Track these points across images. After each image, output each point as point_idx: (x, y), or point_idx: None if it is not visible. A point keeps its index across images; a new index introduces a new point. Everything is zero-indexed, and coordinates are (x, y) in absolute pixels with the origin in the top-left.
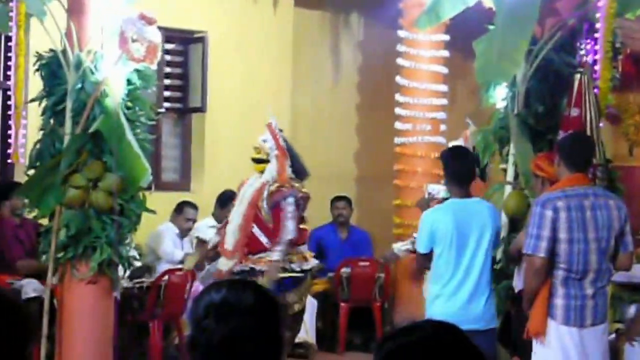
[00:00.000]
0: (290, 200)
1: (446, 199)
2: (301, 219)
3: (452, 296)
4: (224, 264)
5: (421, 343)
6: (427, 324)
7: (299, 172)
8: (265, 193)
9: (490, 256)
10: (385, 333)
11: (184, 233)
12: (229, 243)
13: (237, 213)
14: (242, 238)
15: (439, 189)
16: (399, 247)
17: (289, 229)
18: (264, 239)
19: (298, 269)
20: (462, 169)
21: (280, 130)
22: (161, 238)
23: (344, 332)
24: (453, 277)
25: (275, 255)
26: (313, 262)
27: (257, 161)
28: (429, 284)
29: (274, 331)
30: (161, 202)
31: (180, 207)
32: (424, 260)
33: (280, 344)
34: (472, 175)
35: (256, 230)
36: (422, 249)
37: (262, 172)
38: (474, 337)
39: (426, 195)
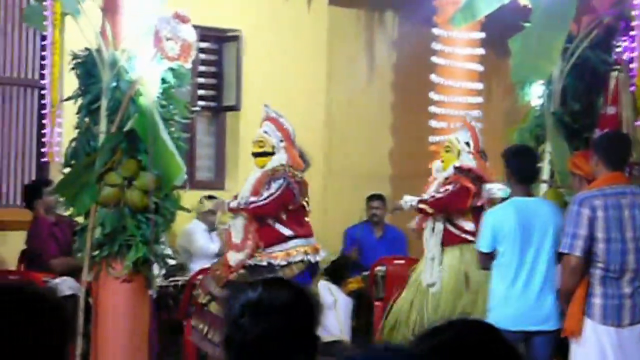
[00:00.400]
0: (280, 182)
1: (504, 198)
2: (302, 209)
3: (519, 297)
4: (233, 258)
5: (457, 341)
6: (461, 323)
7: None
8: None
9: (554, 255)
10: (420, 331)
11: (210, 227)
12: (237, 237)
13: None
14: (247, 232)
15: (497, 188)
16: (407, 200)
17: (262, 197)
18: (278, 226)
19: (314, 261)
20: (525, 168)
21: (280, 116)
22: (192, 236)
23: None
24: (517, 277)
25: (234, 203)
26: (323, 254)
27: (261, 155)
28: (493, 284)
29: (309, 330)
30: (195, 201)
31: (202, 203)
32: (486, 260)
33: (315, 342)
34: (535, 174)
35: (269, 219)
36: (484, 248)
37: (263, 167)
38: (542, 338)
39: (485, 194)
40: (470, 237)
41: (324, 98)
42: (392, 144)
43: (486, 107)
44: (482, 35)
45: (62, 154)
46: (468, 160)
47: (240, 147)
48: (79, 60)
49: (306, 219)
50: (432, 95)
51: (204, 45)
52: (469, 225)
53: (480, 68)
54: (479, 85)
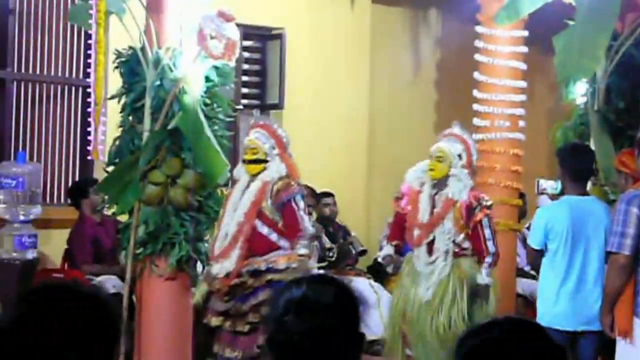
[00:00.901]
0: (300, 197)
1: (555, 195)
2: None
3: (570, 296)
4: (219, 268)
5: (503, 340)
6: (508, 321)
7: None
8: (269, 192)
9: (604, 255)
10: (466, 330)
11: None
12: (217, 248)
13: (232, 220)
14: (235, 241)
15: (549, 185)
16: (485, 280)
17: (308, 225)
18: (274, 237)
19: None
20: (580, 167)
21: (273, 122)
22: None
23: None
24: (568, 277)
25: (302, 249)
26: (313, 262)
27: (254, 162)
28: (542, 283)
29: (354, 328)
30: None
31: None
32: (536, 257)
33: (361, 341)
34: (590, 173)
35: (265, 229)
36: (535, 244)
37: (255, 174)
38: (589, 339)
39: (536, 190)
40: (466, 253)
41: (367, 96)
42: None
43: (529, 105)
44: (526, 33)
45: (106, 152)
46: (462, 174)
47: None
48: (123, 59)
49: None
50: (476, 93)
51: (247, 43)
52: (466, 244)
53: (523, 66)
54: (522, 84)
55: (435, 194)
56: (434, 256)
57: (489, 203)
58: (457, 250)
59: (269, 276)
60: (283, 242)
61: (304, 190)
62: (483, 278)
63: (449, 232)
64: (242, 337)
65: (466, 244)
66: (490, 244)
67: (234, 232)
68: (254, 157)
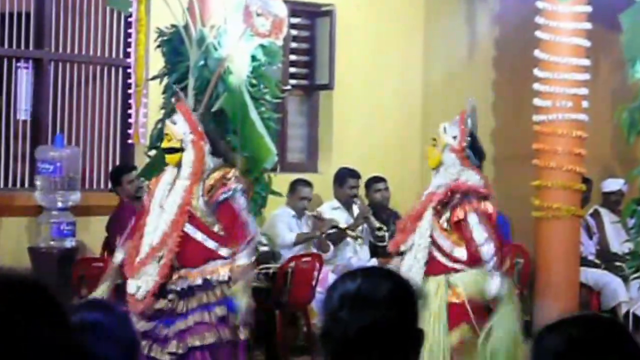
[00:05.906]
0: (240, 193)
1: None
2: None
3: None
4: (134, 289)
5: (585, 337)
6: (592, 318)
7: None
8: (201, 190)
9: None
10: (545, 325)
11: (299, 213)
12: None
13: (162, 220)
14: (152, 254)
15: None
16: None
17: (250, 226)
18: (211, 244)
19: None
20: None
21: (198, 103)
22: (274, 223)
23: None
24: None
25: (243, 259)
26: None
27: (169, 151)
28: None
29: (412, 323)
30: (287, 184)
31: (293, 187)
32: None
33: (419, 336)
34: None
35: (199, 235)
36: None
37: (177, 165)
38: None
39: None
40: (458, 267)
41: (421, 75)
42: (493, 124)
43: (593, 84)
44: (589, 8)
45: (147, 135)
46: (449, 160)
47: (333, 127)
48: (165, 38)
49: None
50: (536, 72)
51: (295, 21)
52: (457, 252)
53: (587, 43)
54: (586, 62)
55: None
56: (405, 267)
57: (483, 192)
58: (447, 263)
59: (204, 297)
60: (224, 250)
61: (244, 183)
62: (490, 289)
63: (422, 237)
64: None
65: (457, 253)
66: (484, 248)
67: (157, 243)
68: (168, 145)
